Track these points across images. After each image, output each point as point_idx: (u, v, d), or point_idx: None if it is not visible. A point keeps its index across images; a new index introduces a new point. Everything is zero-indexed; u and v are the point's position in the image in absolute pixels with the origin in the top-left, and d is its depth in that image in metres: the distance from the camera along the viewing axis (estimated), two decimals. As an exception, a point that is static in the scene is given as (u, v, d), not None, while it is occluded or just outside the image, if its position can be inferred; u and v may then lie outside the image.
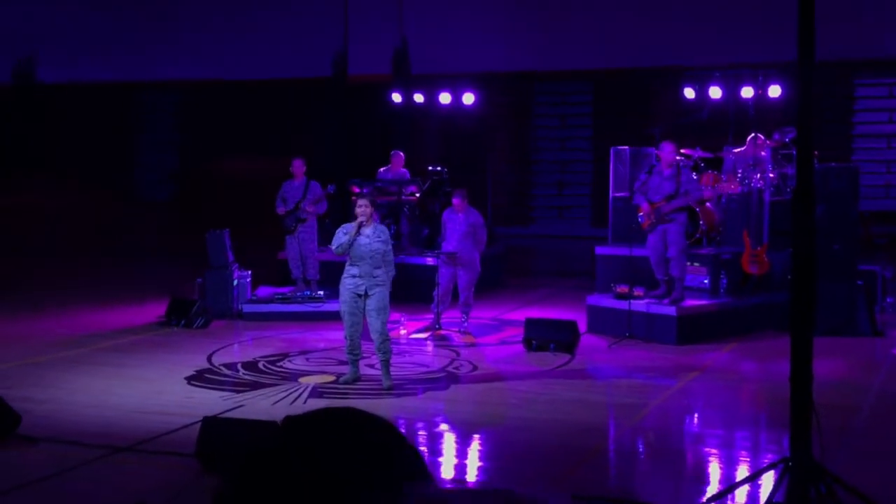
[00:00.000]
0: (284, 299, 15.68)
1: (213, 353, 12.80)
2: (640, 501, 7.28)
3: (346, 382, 11.08)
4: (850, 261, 14.35)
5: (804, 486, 6.51)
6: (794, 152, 13.09)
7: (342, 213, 17.32)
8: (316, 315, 15.17)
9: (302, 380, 11.34)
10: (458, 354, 12.97)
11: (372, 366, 11.58)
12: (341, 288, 10.95)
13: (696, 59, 19.87)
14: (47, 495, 7.56)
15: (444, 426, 9.61)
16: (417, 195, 17.85)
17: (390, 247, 11.10)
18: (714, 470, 8.31)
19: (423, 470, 4.80)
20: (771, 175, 15.61)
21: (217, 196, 24.38)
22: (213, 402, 10.26)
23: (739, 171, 15.70)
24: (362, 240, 10.81)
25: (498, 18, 22.42)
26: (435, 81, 21.22)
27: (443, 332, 14.23)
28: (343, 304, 10.93)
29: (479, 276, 14.41)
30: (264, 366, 12.11)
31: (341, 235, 10.86)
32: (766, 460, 8.23)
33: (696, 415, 10.36)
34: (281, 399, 10.41)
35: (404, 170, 18.24)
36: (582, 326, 13.81)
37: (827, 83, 19.05)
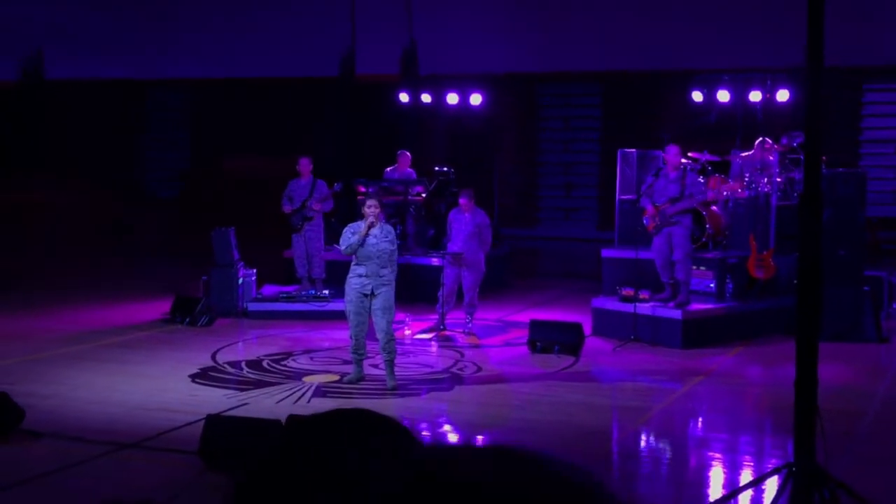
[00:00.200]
0: (289, 298, 15.68)
1: (218, 350, 12.80)
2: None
3: (350, 382, 11.07)
4: (857, 266, 14.32)
5: (808, 491, 6.49)
6: (802, 157, 13.07)
7: (348, 211, 17.31)
8: (321, 314, 15.16)
9: (306, 379, 11.34)
10: (462, 355, 12.96)
11: (376, 366, 11.57)
12: (347, 287, 10.94)
13: (705, 62, 19.84)
14: (51, 491, 7.56)
15: (447, 427, 9.60)
16: (423, 195, 17.84)
17: (396, 247, 11.10)
18: (718, 474, 8.30)
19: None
20: (778, 179, 15.58)
21: (223, 194, 24.39)
22: (216, 399, 10.26)
23: (747, 174, 15.67)
24: (370, 240, 10.80)
25: (507, 20, 22.41)
26: (442, 82, 21.21)
27: (447, 332, 14.22)
28: (349, 304, 10.92)
29: (484, 277, 14.39)
30: (268, 364, 12.11)
31: (349, 235, 10.84)
32: (770, 465, 8.21)
33: (700, 419, 10.34)
34: (285, 398, 10.41)
35: (411, 170, 18.23)
36: (587, 329, 13.79)
37: (835, 88, 19.03)
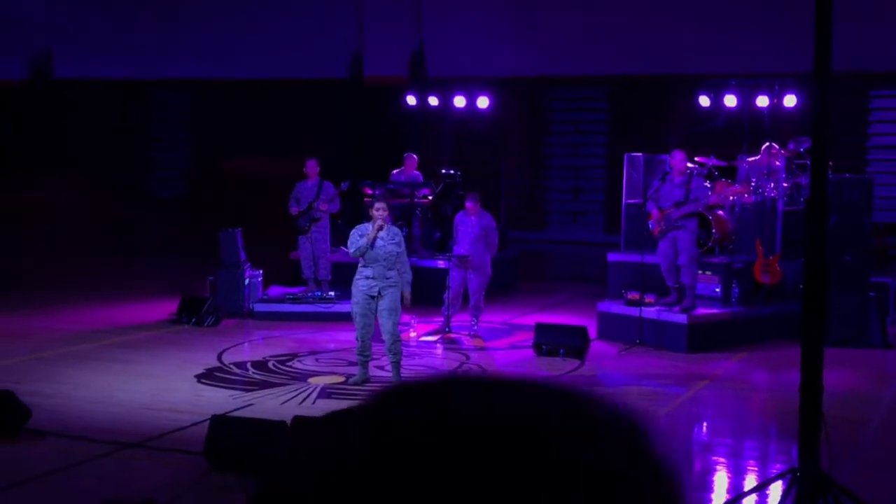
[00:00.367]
0: (295, 299, 15.69)
1: (224, 351, 12.82)
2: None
3: (355, 384, 11.08)
4: (863, 272, 14.29)
5: (812, 497, 6.49)
6: (809, 162, 13.06)
7: (355, 213, 17.32)
8: (326, 316, 15.17)
9: (311, 380, 11.35)
10: (467, 358, 12.96)
11: (381, 367, 11.57)
12: (354, 289, 10.95)
13: (712, 67, 19.84)
14: (54, 490, 7.57)
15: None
16: (430, 198, 17.85)
17: (404, 248, 11.11)
18: (722, 479, 8.29)
19: None
20: (785, 184, 15.56)
21: (230, 195, 24.41)
22: (222, 400, 10.27)
23: (753, 179, 15.66)
24: (377, 242, 10.81)
25: (514, 23, 22.42)
26: (450, 85, 21.22)
27: (453, 335, 14.21)
28: (355, 306, 10.93)
29: (490, 280, 14.39)
30: (274, 365, 12.12)
31: (358, 238, 10.84)
32: (774, 470, 8.20)
33: (705, 423, 10.33)
34: (290, 399, 10.42)
35: (417, 172, 18.23)
36: (592, 332, 13.78)
37: (842, 94, 19.01)
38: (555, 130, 25.91)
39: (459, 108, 20.77)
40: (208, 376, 11.43)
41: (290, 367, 12.06)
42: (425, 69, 24.34)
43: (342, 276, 14.27)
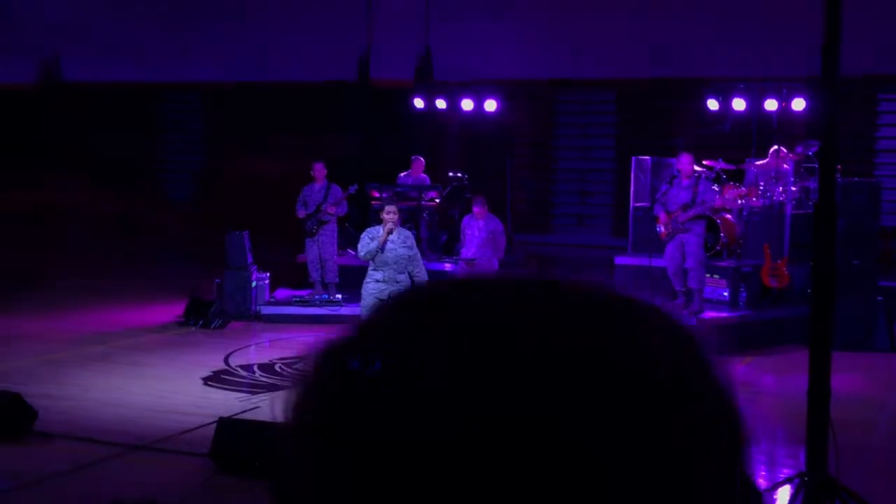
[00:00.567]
0: (302, 302, 15.69)
1: (230, 354, 12.82)
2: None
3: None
4: (871, 276, 14.27)
5: (819, 501, 6.48)
6: (817, 166, 13.05)
7: (362, 216, 17.33)
8: (333, 318, 15.16)
9: (318, 383, 11.33)
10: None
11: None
12: (364, 292, 10.94)
13: (720, 71, 19.80)
14: (62, 491, 7.58)
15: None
16: (437, 201, 17.85)
17: (416, 251, 11.10)
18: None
19: None
20: (793, 188, 15.54)
21: (238, 197, 24.43)
22: (228, 402, 10.27)
23: (761, 183, 15.64)
24: (388, 245, 10.80)
25: (522, 26, 22.41)
26: (457, 87, 21.21)
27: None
28: (364, 309, 10.92)
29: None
30: (281, 368, 12.12)
31: (368, 241, 10.83)
32: (782, 474, 8.19)
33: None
34: (296, 401, 10.41)
35: (424, 175, 18.23)
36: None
37: (850, 98, 18.98)
38: (562, 133, 25.87)
39: (467, 111, 20.77)
40: (215, 379, 11.43)
41: (297, 369, 12.05)
42: (432, 72, 24.33)
43: (349, 279, 14.27)
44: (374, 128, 24.04)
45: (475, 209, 14.25)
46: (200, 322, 14.62)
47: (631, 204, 16.18)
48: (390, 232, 10.78)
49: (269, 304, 15.65)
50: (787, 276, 14.51)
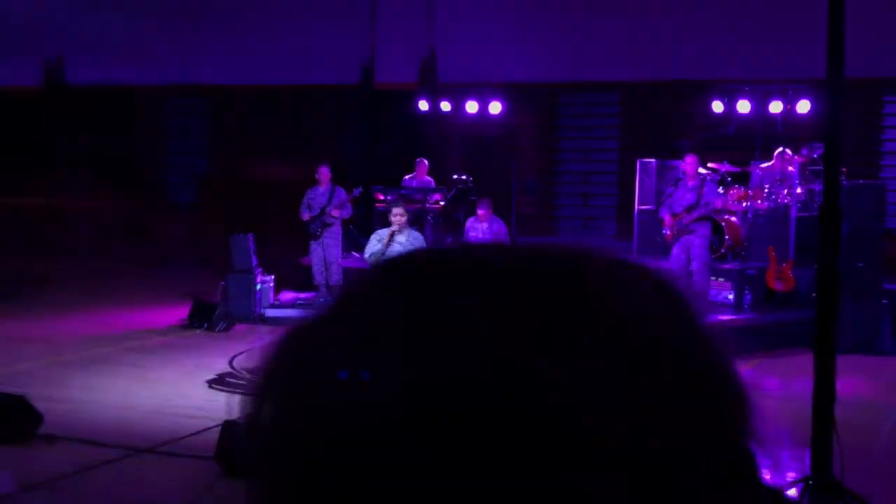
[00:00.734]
0: (307, 305, 15.70)
1: (235, 356, 12.82)
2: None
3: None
4: (876, 279, 14.24)
5: (824, 505, 6.47)
6: (822, 168, 13.03)
7: (367, 219, 17.33)
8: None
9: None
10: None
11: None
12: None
13: (725, 73, 19.79)
14: (66, 495, 7.58)
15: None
16: (442, 203, 17.85)
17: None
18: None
19: None
20: (798, 191, 15.52)
21: (242, 200, 24.45)
22: (233, 405, 10.27)
23: (766, 186, 15.62)
24: (396, 248, 10.78)
25: (526, 28, 22.41)
26: (462, 90, 21.23)
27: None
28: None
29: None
30: (285, 371, 12.12)
31: (375, 243, 10.82)
32: (787, 478, 8.17)
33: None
34: (301, 404, 10.41)
35: (429, 178, 18.24)
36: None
37: (855, 99, 18.96)
38: (566, 136, 25.87)
39: (471, 114, 20.78)
40: (220, 381, 11.43)
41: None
42: (437, 74, 24.34)
43: (354, 282, 14.25)
44: (378, 130, 24.05)
45: (479, 211, 14.25)
46: (205, 325, 14.63)
47: (636, 206, 16.17)
48: (392, 234, 10.76)
49: (273, 306, 15.65)
50: (792, 278, 14.48)
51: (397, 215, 10.84)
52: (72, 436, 8.95)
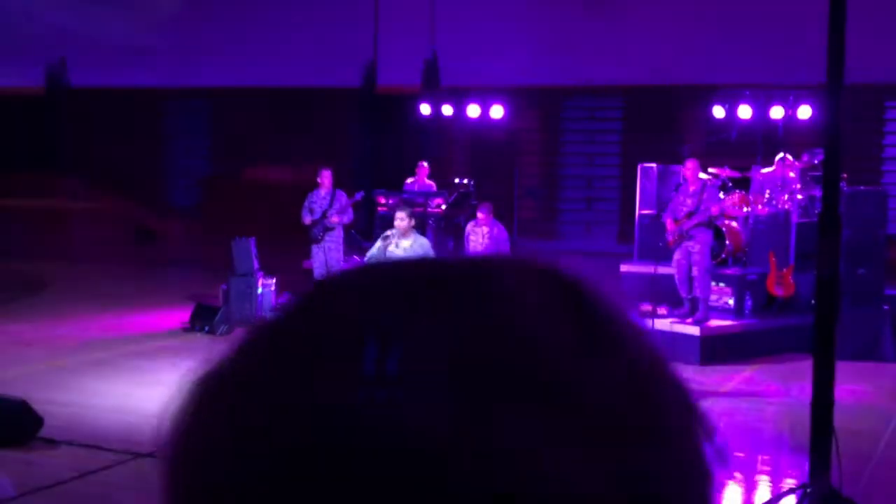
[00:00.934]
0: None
1: (236, 360, 12.82)
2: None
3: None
4: (877, 285, 14.23)
5: (823, 512, 6.47)
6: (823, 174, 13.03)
7: (368, 223, 17.35)
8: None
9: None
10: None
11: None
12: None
13: (726, 78, 19.80)
14: (67, 499, 7.58)
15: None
16: (443, 207, 17.86)
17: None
18: (733, 493, 8.26)
19: None
20: (799, 196, 15.52)
21: (244, 203, 24.46)
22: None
23: (767, 191, 15.62)
24: (396, 252, 10.70)
25: (528, 33, 22.43)
26: (464, 94, 21.23)
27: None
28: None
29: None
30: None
31: (376, 245, 10.78)
32: (786, 485, 8.18)
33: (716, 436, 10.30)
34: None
35: (430, 181, 18.25)
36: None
37: (856, 105, 18.97)
38: (568, 140, 25.89)
39: (473, 118, 20.78)
40: (220, 385, 11.44)
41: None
42: (439, 78, 24.35)
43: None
44: (380, 134, 24.07)
45: (479, 215, 14.25)
46: (206, 328, 14.63)
47: (637, 211, 16.17)
48: (385, 238, 10.71)
49: (275, 310, 15.52)
50: (792, 284, 14.49)
51: (398, 219, 10.79)
52: (72, 440, 8.96)
